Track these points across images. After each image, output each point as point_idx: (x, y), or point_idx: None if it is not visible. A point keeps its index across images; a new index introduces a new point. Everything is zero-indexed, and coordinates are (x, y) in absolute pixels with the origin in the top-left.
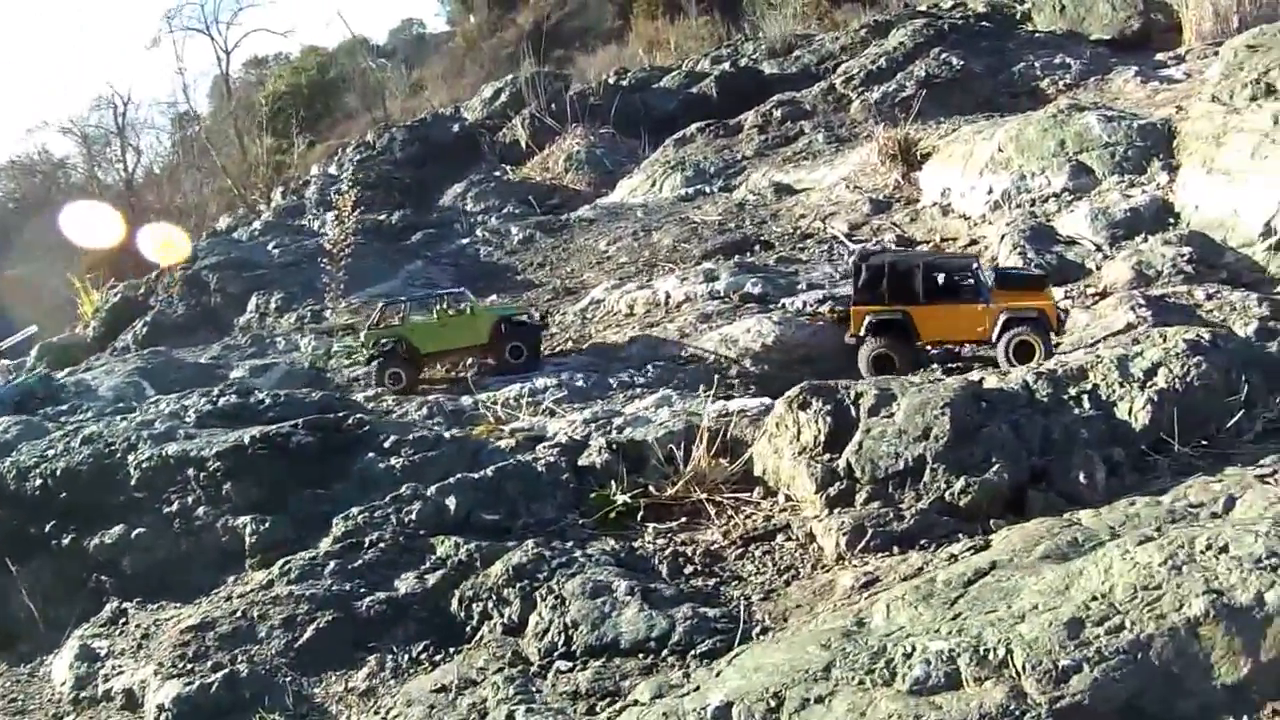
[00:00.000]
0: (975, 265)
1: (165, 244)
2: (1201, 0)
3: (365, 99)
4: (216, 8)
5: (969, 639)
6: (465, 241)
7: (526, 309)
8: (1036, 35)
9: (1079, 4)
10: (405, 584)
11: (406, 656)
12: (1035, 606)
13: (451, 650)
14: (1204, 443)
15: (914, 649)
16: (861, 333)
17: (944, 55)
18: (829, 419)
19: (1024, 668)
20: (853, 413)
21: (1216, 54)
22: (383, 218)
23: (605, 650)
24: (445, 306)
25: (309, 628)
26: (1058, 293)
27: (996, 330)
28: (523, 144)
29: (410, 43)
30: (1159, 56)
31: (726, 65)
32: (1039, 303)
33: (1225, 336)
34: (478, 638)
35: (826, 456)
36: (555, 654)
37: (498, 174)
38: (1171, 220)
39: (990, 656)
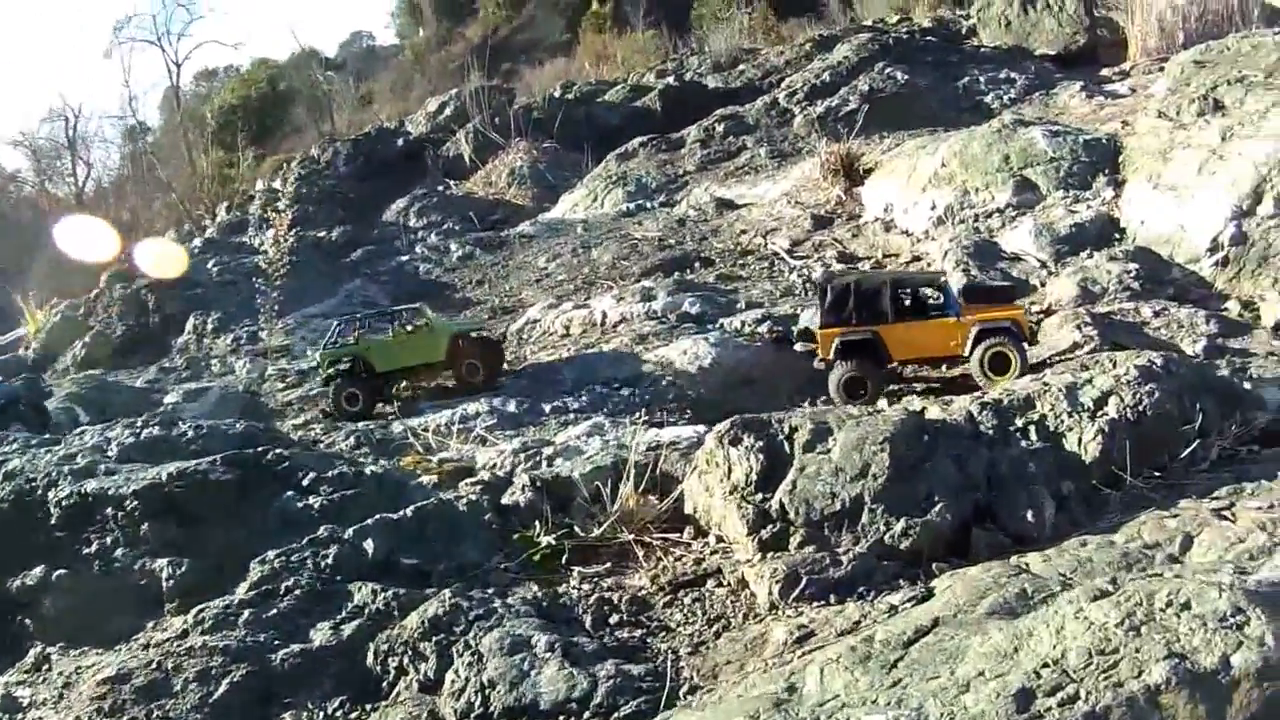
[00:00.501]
0: (943, 280)
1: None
2: (1147, 16)
3: (314, 112)
4: (168, 19)
5: (909, 711)
6: (405, 258)
7: (485, 324)
8: (982, 50)
9: (1024, 20)
10: (321, 635)
11: (322, 714)
12: (981, 673)
13: (368, 707)
14: (1156, 474)
15: None
16: (831, 356)
17: (888, 70)
18: (761, 456)
19: None
20: (787, 449)
21: (1162, 70)
22: (323, 234)
23: (524, 712)
24: (402, 323)
25: (223, 682)
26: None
27: (969, 344)
28: (466, 158)
29: (360, 55)
30: (1104, 72)
31: (671, 79)
32: (1010, 313)
33: (1178, 361)
34: (394, 694)
35: (759, 496)
36: (472, 715)
37: (441, 189)
38: (1117, 236)
39: None
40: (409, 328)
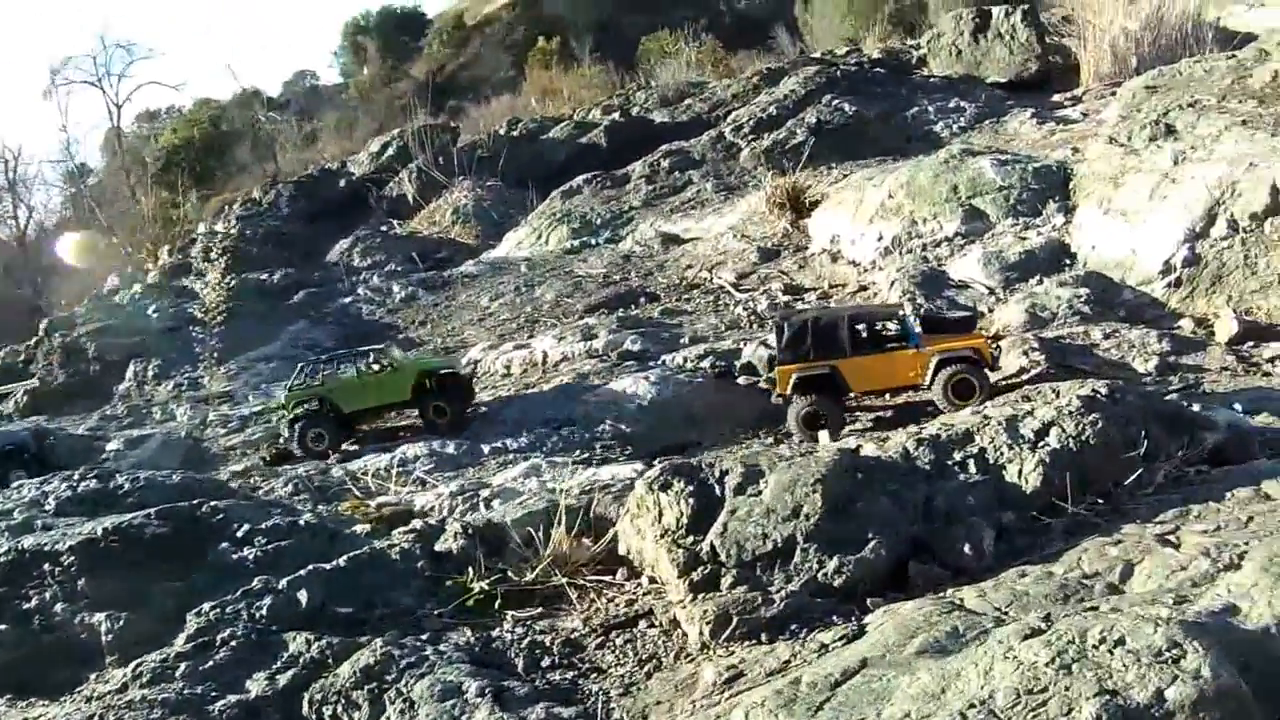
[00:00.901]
0: (901, 313)
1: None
2: (1100, 42)
3: (257, 152)
4: (108, 60)
5: None
6: (348, 300)
7: (454, 362)
8: (931, 80)
9: (975, 48)
10: (257, 685)
11: None
12: (908, 714)
13: None
14: (1100, 501)
15: None
16: (788, 391)
17: (836, 102)
18: (691, 500)
19: None
20: (717, 491)
21: (1115, 94)
22: (265, 277)
23: None
24: (369, 363)
25: None
26: None
27: (930, 374)
28: (410, 198)
29: (304, 95)
30: (1057, 98)
31: (617, 115)
32: (971, 342)
33: (1124, 388)
34: None
35: (690, 539)
36: None
37: (385, 229)
38: (1068, 261)
39: None
40: (374, 367)
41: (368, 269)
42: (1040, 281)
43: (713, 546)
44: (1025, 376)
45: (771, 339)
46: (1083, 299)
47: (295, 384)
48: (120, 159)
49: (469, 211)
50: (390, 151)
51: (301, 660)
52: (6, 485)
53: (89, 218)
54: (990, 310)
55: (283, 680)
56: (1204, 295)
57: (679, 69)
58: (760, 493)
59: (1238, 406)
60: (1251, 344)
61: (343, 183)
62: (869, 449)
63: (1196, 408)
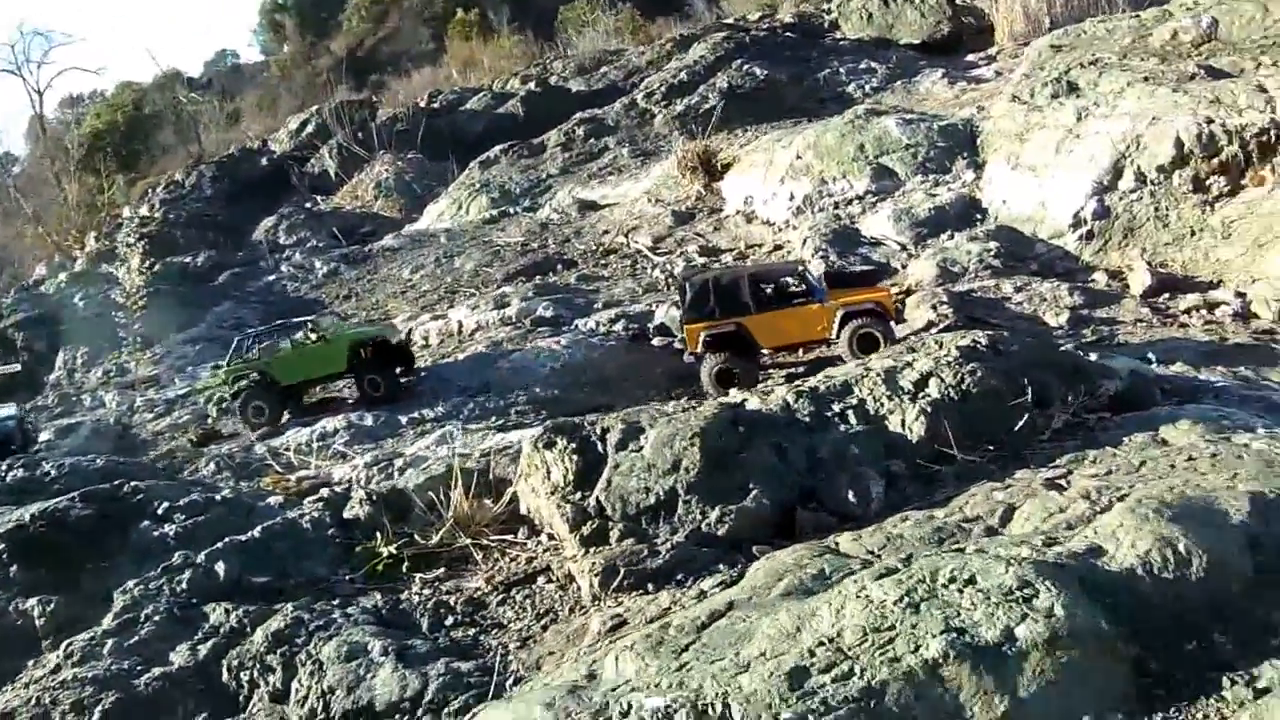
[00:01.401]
0: (802, 269)
1: None
2: (1012, 2)
3: (181, 134)
4: (27, 48)
5: (689, 693)
6: (272, 278)
7: (389, 330)
8: (843, 43)
9: (886, 11)
10: (180, 656)
11: None
12: (763, 653)
13: None
14: (990, 447)
15: (631, 705)
16: (699, 350)
17: (747, 66)
18: (576, 458)
19: None
20: (600, 448)
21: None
22: (188, 260)
23: (362, 714)
24: (304, 335)
25: (95, 711)
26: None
27: (835, 327)
28: (332, 174)
29: (225, 74)
30: (971, 58)
31: (534, 84)
32: (874, 295)
33: (1009, 339)
34: (249, 708)
35: (577, 495)
36: None
37: (309, 206)
38: (979, 217)
39: (709, 712)
40: (309, 339)
41: (291, 247)
42: (951, 236)
43: (599, 502)
44: (934, 330)
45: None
46: (993, 253)
47: (233, 359)
48: (43, 147)
49: (390, 185)
50: (310, 128)
51: (220, 630)
52: None
53: (15, 208)
54: (903, 266)
55: (203, 650)
56: (1117, 248)
57: (597, 37)
58: (641, 448)
59: (1151, 356)
60: (1166, 296)
61: (264, 161)
62: (753, 403)
63: (1094, 357)
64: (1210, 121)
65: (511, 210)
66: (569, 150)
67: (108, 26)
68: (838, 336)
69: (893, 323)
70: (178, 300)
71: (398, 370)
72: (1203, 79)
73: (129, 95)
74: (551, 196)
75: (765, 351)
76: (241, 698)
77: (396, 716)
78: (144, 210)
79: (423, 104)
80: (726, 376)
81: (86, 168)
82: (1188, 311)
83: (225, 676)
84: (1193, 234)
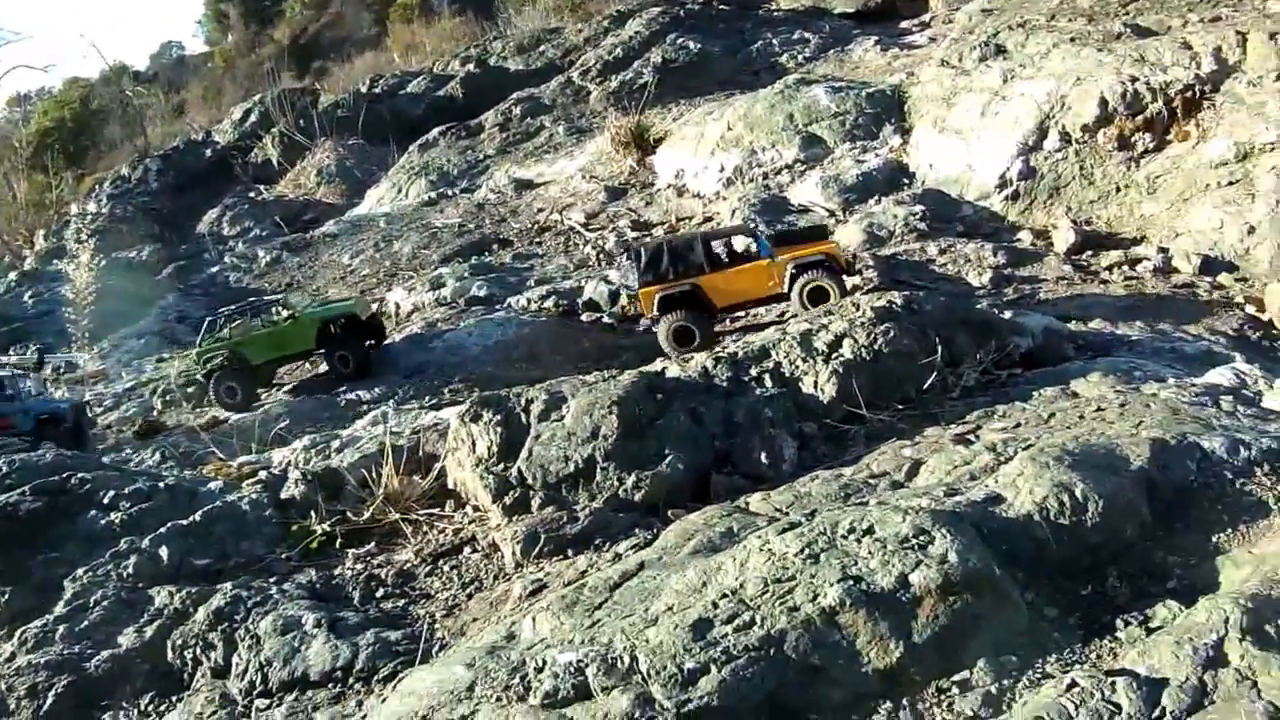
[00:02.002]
0: (752, 228)
1: None
2: None
3: (127, 128)
4: None
5: (599, 647)
6: (215, 269)
7: (359, 304)
8: (777, 14)
9: None
10: (128, 639)
11: (136, 711)
12: (670, 607)
13: (173, 699)
14: (901, 406)
15: (546, 661)
16: (655, 311)
17: (681, 40)
18: (500, 429)
19: (650, 673)
20: (524, 420)
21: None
22: (133, 254)
23: (297, 684)
24: (275, 312)
25: (49, 695)
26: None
27: (787, 281)
28: (275, 162)
29: (171, 66)
30: (905, 24)
31: (473, 66)
32: (823, 248)
33: (922, 299)
34: (194, 684)
35: (500, 466)
36: (255, 693)
37: (252, 195)
38: (906, 181)
39: (618, 664)
40: (279, 318)
41: (235, 237)
42: (878, 201)
43: (520, 472)
44: (859, 295)
45: (614, 275)
46: (919, 216)
47: (204, 339)
48: None
49: (332, 172)
50: (253, 118)
51: (165, 612)
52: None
53: None
54: (831, 232)
55: (149, 632)
56: (1043, 207)
57: (536, 16)
58: (563, 418)
59: (1071, 314)
60: (1090, 253)
61: (208, 152)
62: (672, 370)
63: (1009, 315)
64: (1135, 80)
65: (449, 192)
66: (506, 130)
67: (56, 23)
68: (789, 291)
69: (845, 276)
70: (125, 295)
71: (368, 344)
72: (1129, 37)
73: (76, 92)
74: (489, 177)
75: (719, 314)
76: (186, 675)
77: (329, 685)
78: (91, 206)
79: (364, 89)
80: (684, 334)
81: (35, 166)
82: (1110, 268)
83: (170, 655)
84: (1117, 191)
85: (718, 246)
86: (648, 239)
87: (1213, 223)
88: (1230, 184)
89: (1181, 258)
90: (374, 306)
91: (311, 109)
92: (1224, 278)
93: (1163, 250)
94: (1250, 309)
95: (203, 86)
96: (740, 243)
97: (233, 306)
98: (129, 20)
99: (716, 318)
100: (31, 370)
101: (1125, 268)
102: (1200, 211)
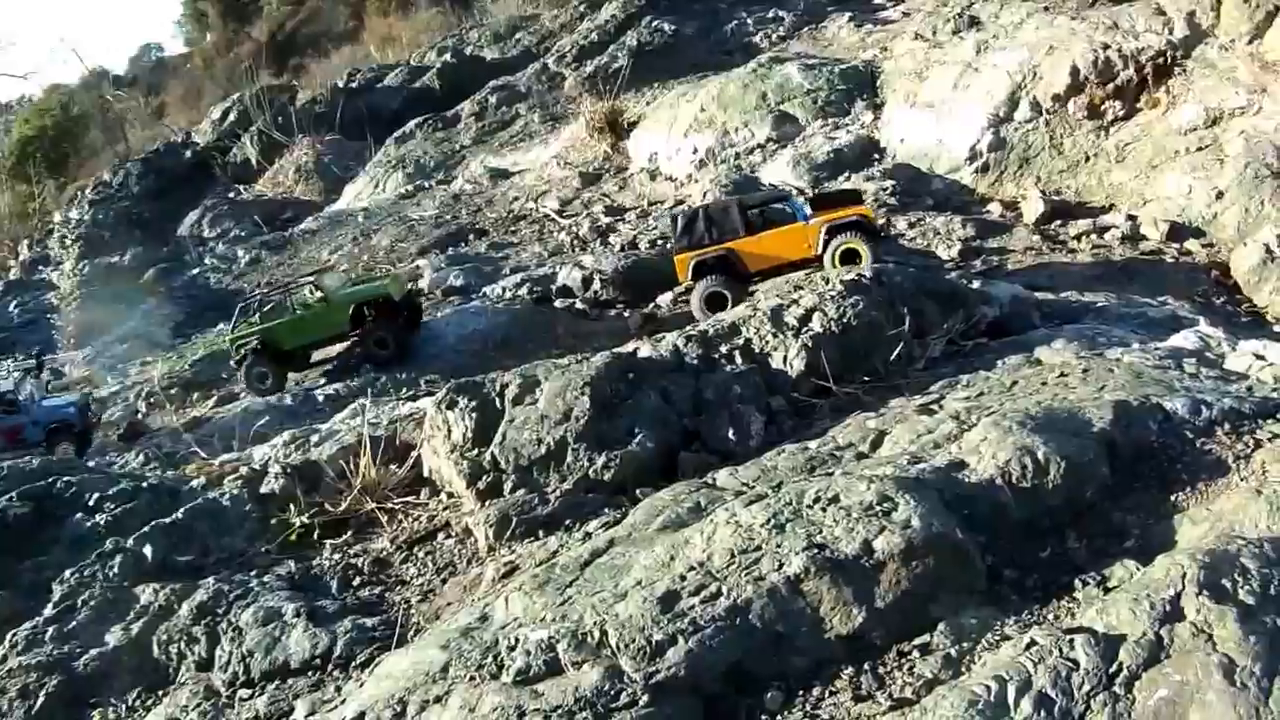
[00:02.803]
0: (788, 192)
1: None
2: None
3: (108, 133)
4: None
5: (570, 624)
6: (196, 271)
7: (393, 283)
8: None
9: None
10: (115, 637)
11: (124, 707)
12: (639, 582)
13: (159, 693)
14: (866, 379)
15: (518, 640)
16: (688, 277)
17: (655, 23)
18: (475, 415)
19: (619, 646)
20: (498, 404)
21: None
22: (116, 259)
23: (278, 673)
24: (308, 293)
25: (40, 694)
26: None
27: (820, 244)
28: (254, 161)
29: (150, 68)
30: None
31: (449, 56)
32: (857, 210)
33: (890, 271)
34: (179, 678)
35: (474, 451)
36: (238, 683)
37: (232, 195)
38: (877, 156)
39: (588, 639)
40: (311, 299)
41: (215, 238)
42: (849, 178)
43: (494, 456)
44: (795, 281)
45: (588, 260)
46: (889, 191)
47: (237, 324)
48: None
49: (310, 168)
50: (232, 117)
51: (150, 609)
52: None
53: None
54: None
55: (135, 629)
56: (1012, 178)
57: (513, 3)
58: (536, 401)
59: (1038, 284)
60: (1059, 222)
61: (188, 154)
62: (645, 350)
63: (977, 285)
64: (1106, 47)
65: (426, 184)
66: (482, 120)
67: (35, 29)
68: (823, 252)
69: (878, 236)
70: (109, 300)
71: (406, 324)
72: (1103, 4)
73: (56, 99)
74: (465, 168)
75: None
76: (171, 670)
77: (309, 672)
78: (74, 213)
79: (341, 84)
80: (717, 300)
81: (18, 176)
82: (1078, 237)
83: (156, 651)
84: (1087, 160)
85: (754, 212)
86: (683, 208)
87: (1181, 189)
88: (1199, 150)
89: (1149, 225)
90: (409, 284)
91: (289, 106)
92: (1191, 243)
93: (1131, 218)
94: (1216, 274)
95: (182, 88)
96: (775, 208)
97: (264, 289)
98: (107, 24)
99: (750, 282)
100: (32, 375)
101: (1093, 236)
102: (1169, 178)
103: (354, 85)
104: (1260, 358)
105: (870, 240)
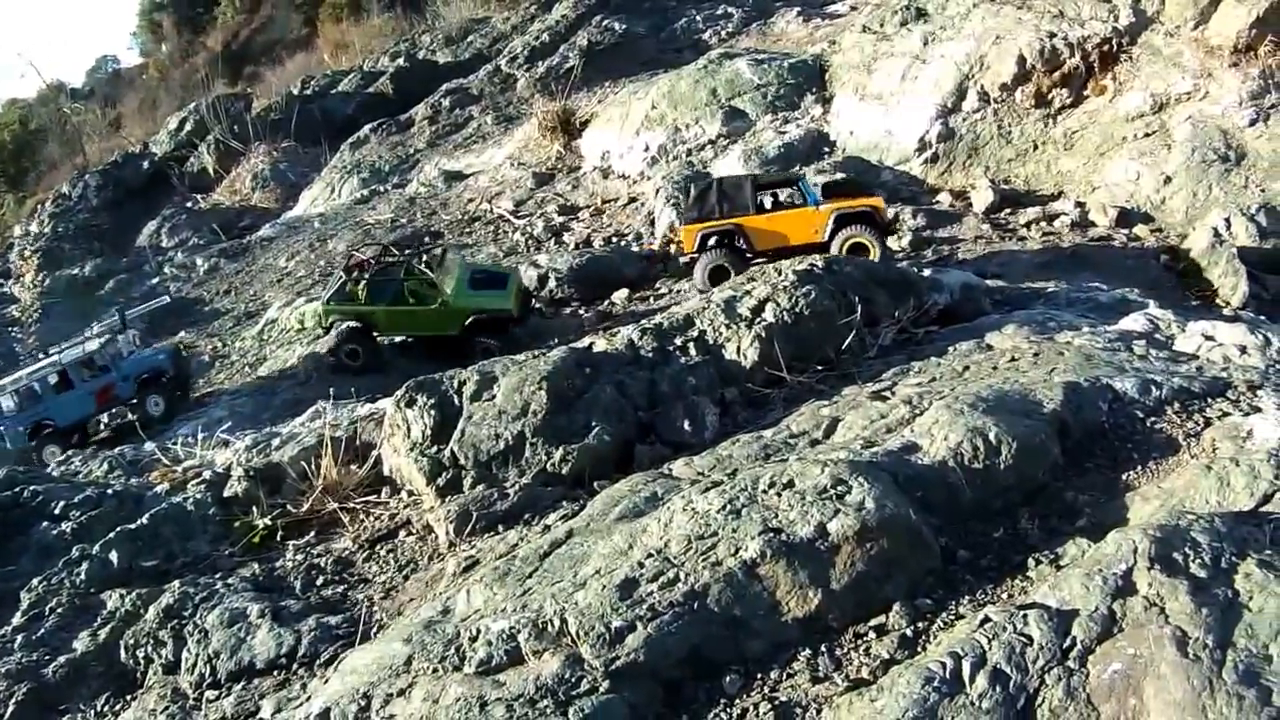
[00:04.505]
0: (800, 178)
1: None
2: None
3: (66, 146)
4: None
5: (530, 614)
6: (155, 281)
7: (512, 291)
8: None
9: None
10: (82, 643)
11: (93, 712)
12: (598, 571)
13: (128, 698)
14: (819, 368)
15: (479, 631)
16: (695, 249)
17: (605, 22)
18: (434, 412)
19: (579, 634)
20: (456, 402)
21: None
22: (75, 271)
23: (244, 673)
24: (418, 295)
25: (10, 703)
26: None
27: (828, 231)
28: (211, 170)
29: (107, 81)
30: None
31: (402, 60)
32: (869, 201)
33: (842, 260)
34: (146, 682)
35: (434, 448)
36: (205, 685)
37: (190, 205)
38: (827, 150)
39: (549, 628)
40: (421, 291)
41: (174, 248)
42: (800, 170)
43: (453, 452)
44: (750, 273)
45: (543, 259)
46: None
47: (334, 297)
48: None
49: (267, 176)
50: (188, 127)
51: (117, 614)
52: (147, 413)
53: None
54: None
55: (103, 634)
56: (962, 168)
57: (464, 6)
58: (494, 397)
59: (989, 271)
60: (1008, 211)
61: (146, 164)
62: (600, 344)
63: (928, 273)
64: (1053, 35)
65: (382, 188)
66: (436, 123)
67: None
68: (829, 241)
69: (887, 231)
70: (69, 312)
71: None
72: None
73: (15, 113)
74: (419, 171)
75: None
76: (139, 673)
77: (275, 671)
78: (33, 227)
79: (296, 91)
80: (720, 273)
81: None
82: (1027, 225)
83: (123, 655)
84: (1035, 148)
85: (765, 191)
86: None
87: (1129, 175)
88: (1146, 135)
89: (1098, 211)
90: (522, 278)
91: (245, 114)
92: (1140, 229)
93: (1080, 204)
94: (1165, 258)
95: (138, 99)
96: (787, 191)
97: (367, 255)
98: (64, 37)
99: (755, 259)
100: (118, 334)
101: (1043, 224)
102: (1117, 164)
103: (308, 92)
104: (1210, 338)
105: (879, 235)
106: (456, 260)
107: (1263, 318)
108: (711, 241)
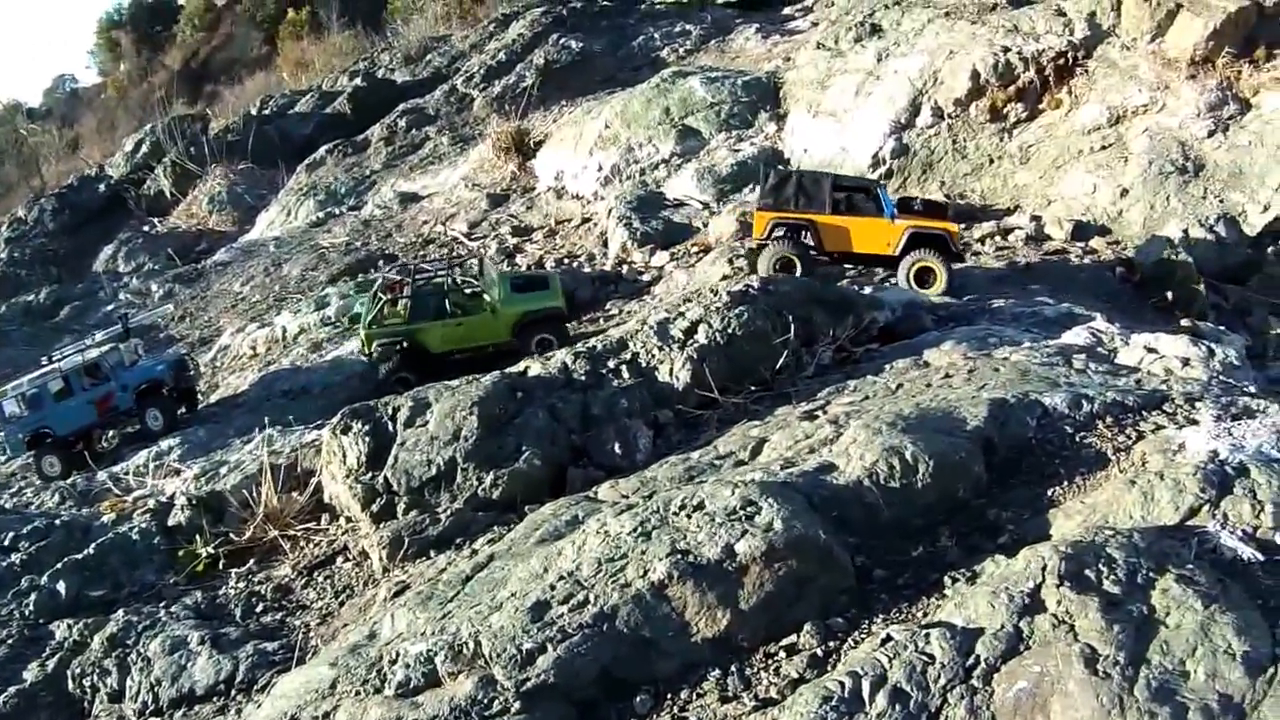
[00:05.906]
0: (880, 186)
1: None
2: None
3: (23, 168)
4: None
5: (447, 636)
6: (110, 307)
7: (554, 291)
8: (659, 6)
9: None
10: (31, 673)
11: None
12: (513, 594)
13: None
14: (754, 388)
15: (399, 654)
16: (764, 235)
17: (563, 40)
18: (368, 439)
19: (492, 656)
20: (390, 428)
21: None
22: (31, 298)
23: (185, 700)
24: (456, 283)
25: None
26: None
27: (900, 246)
28: (167, 193)
29: (64, 100)
30: (787, 10)
31: (360, 80)
32: (945, 225)
33: (779, 280)
34: (93, 711)
35: (368, 475)
36: (148, 712)
37: (146, 229)
38: (782, 167)
39: (464, 651)
40: (466, 302)
41: (130, 273)
42: (753, 190)
43: (387, 479)
44: (729, 284)
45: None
46: None
47: (373, 315)
48: None
49: (223, 199)
50: (145, 149)
51: (65, 644)
52: (146, 428)
53: None
54: (704, 224)
55: (51, 664)
56: (917, 184)
57: (424, 24)
58: (427, 423)
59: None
60: (963, 226)
61: (102, 187)
62: (534, 369)
63: (868, 291)
64: (1007, 50)
65: (337, 211)
66: (392, 144)
67: None
68: (900, 258)
69: (955, 257)
70: (23, 339)
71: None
72: (1004, 8)
73: None
74: (375, 193)
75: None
76: (86, 703)
77: (214, 698)
78: None
79: (254, 111)
80: (786, 266)
81: None
82: (982, 240)
83: (71, 685)
84: (991, 162)
85: (843, 192)
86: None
87: (1085, 188)
88: (1103, 148)
89: (1054, 224)
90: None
91: (202, 135)
92: (1096, 241)
93: (1035, 218)
94: (1122, 270)
95: (96, 119)
96: (864, 196)
97: (414, 267)
98: (20, 56)
99: (820, 257)
100: (120, 342)
101: (998, 238)
102: (1073, 177)
103: (266, 112)
104: (1152, 350)
105: (947, 262)
106: (494, 269)
107: (1222, 328)
108: (780, 233)
